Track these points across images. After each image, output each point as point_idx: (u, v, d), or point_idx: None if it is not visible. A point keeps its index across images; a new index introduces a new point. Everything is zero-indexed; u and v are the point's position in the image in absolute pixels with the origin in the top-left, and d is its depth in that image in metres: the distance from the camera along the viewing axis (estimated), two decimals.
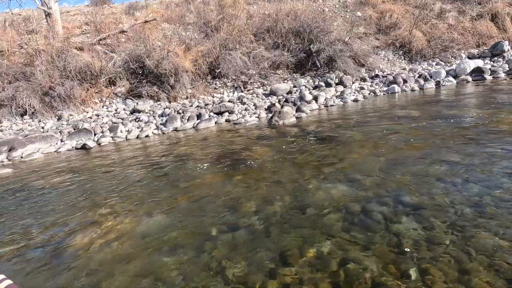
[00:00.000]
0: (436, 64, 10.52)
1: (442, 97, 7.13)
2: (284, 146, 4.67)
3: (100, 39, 10.36)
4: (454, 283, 1.64)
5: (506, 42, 10.28)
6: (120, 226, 2.75)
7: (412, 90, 8.62)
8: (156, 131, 7.24)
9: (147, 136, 6.99)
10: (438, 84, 8.66)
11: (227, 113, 7.89)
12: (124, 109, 8.64)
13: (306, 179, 3.29)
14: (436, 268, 1.75)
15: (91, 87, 8.99)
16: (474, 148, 3.51)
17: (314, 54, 10.42)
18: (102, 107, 8.84)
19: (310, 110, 7.50)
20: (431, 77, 9.13)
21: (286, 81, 10.24)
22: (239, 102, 8.69)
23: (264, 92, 9.60)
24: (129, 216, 2.92)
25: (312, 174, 3.39)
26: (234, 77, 10.06)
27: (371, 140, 4.40)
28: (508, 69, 8.82)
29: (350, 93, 8.88)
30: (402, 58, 11.28)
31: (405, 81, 9.10)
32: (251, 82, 10.06)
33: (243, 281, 1.86)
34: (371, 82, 9.74)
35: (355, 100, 8.23)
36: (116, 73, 9.24)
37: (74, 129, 7.29)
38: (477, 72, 8.68)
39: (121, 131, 7.21)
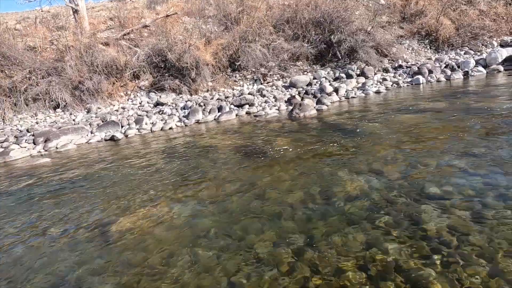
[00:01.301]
0: (464, 53, 10.05)
1: (470, 88, 6.85)
2: (305, 138, 4.72)
3: (124, 34, 10.69)
4: (475, 269, 1.68)
5: None
6: (155, 211, 2.95)
7: (438, 81, 8.32)
8: (179, 123, 7.48)
9: (170, 128, 7.24)
10: (466, 74, 8.30)
11: (247, 106, 8.00)
12: (148, 102, 8.95)
13: (329, 170, 3.35)
14: (458, 256, 1.79)
15: (116, 81, 9.36)
16: (497, 143, 3.42)
17: (334, 45, 10.24)
18: (127, 100, 9.21)
19: (331, 102, 7.45)
20: (458, 67, 8.76)
21: (306, 73, 10.17)
22: (259, 95, 8.76)
23: (283, 84, 9.59)
24: (162, 203, 3.12)
25: (335, 165, 3.45)
26: (254, 70, 10.11)
27: (392, 132, 4.36)
28: None
29: (372, 84, 8.71)
30: (428, 47, 10.86)
31: (430, 71, 8.79)
32: (270, 74, 10.08)
33: (272, 260, 1.99)
34: (394, 73, 9.48)
35: (377, 92, 8.07)
36: (140, 67, 9.55)
37: (103, 121, 7.67)
38: (510, 61, 8.23)
39: (146, 123, 7.51)
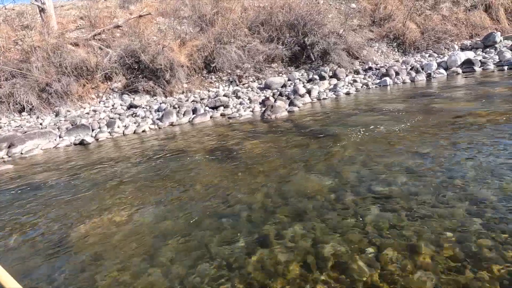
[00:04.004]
0: (429, 56, 10.64)
1: (430, 90, 7.28)
2: (273, 140, 4.86)
3: (95, 34, 10.41)
4: (404, 259, 1.87)
5: (499, 33, 10.38)
6: (117, 217, 2.96)
7: (404, 82, 8.77)
8: (153, 126, 7.41)
9: (144, 131, 7.17)
10: (429, 76, 8.81)
11: (222, 108, 8.06)
12: (121, 105, 8.79)
13: (291, 171, 3.49)
14: (391, 248, 1.98)
15: (87, 83, 9.12)
16: (451, 141, 3.71)
17: (308, 47, 10.51)
18: (99, 102, 8.99)
19: (303, 104, 7.67)
20: (422, 69, 9.27)
21: (281, 74, 10.37)
22: (234, 96, 8.84)
23: (259, 85, 9.74)
24: (126, 208, 3.13)
25: (298, 167, 3.60)
26: (229, 71, 10.18)
27: (357, 133, 4.59)
28: (498, 60, 8.96)
29: (343, 86, 9.03)
30: (396, 50, 11.39)
31: (397, 73, 9.23)
32: (246, 76, 10.19)
33: (227, 260, 2.09)
34: (364, 74, 9.87)
35: (348, 93, 8.38)
36: (112, 69, 9.35)
37: (72, 125, 7.46)
38: (467, 64, 8.82)
39: (118, 127, 7.39)
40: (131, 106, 8.60)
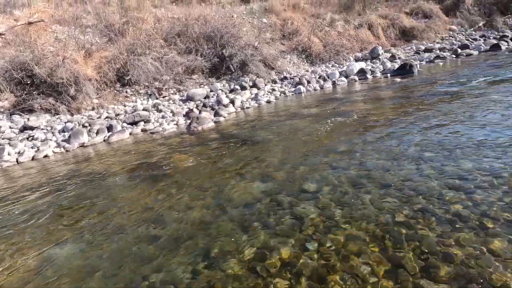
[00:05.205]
0: (332, 66, 12.20)
1: (337, 95, 8.36)
2: (203, 151, 4.77)
3: None
4: (341, 248, 2.08)
5: (380, 47, 12.67)
6: (25, 263, 2.41)
7: (315, 89, 9.81)
8: (58, 149, 6.36)
9: (46, 156, 6.09)
10: (334, 83, 10.09)
11: (142, 123, 7.50)
12: (10, 127, 7.26)
13: (226, 181, 3.48)
14: (328, 239, 2.17)
15: None
16: (362, 138, 4.32)
17: (227, 59, 10.76)
18: None
19: (228, 114, 7.77)
20: (328, 77, 10.55)
21: (202, 86, 10.30)
22: (155, 110, 8.36)
23: (181, 98, 9.45)
24: (34, 250, 2.57)
25: (231, 176, 3.61)
26: (147, 84, 9.59)
27: (282, 137, 4.90)
28: (382, 69, 10.90)
29: (263, 94, 9.53)
30: (305, 61, 12.67)
31: (308, 82, 10.27)
32: (166, 88, 9.76)
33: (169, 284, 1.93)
34: (281, 83, 10.64)
35: (268, 101, 8.89)
36: None
37: None
38: (361, 73, 10.46)
39: (9, 154, 6.08)
40: (25, 128, 7.19)
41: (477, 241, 1.95)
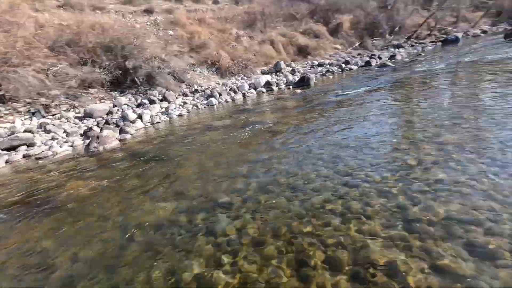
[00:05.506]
0: (241, 79, 12.75)
1: (247, 106, 8.77)
2: (105, 175, 4.26)
3: None
4: (256, 255, 2.15)
5: (282, 62, 13.96)
6: None
7: (226, 101, 10.05)
8: None
9: None
10: (244, 95, 10.56)
11: (25, 147, 6.23)
12: None
13: (133, 204, 3.18)
14: (242, 250, 2.22)
15: None
16: (270, 145, 4.61)
17: (131, 71, 10.01)
18: None
19: (136, 130, 7.19)
20: (238, 89, 10.98)
21: (103, 100, 9.27)
22: (42, 131, 7.06)
23: (77, 115, 8.27)
24: None
25: (139, 198, 3.32)
26: (29, 100, 8.04)
27: (195, 151, 4.81)
28: (286, 81, 12.02)
29: (175, 108, 9.21)
30: (215, 74, 12.88)
31: (220, 94, 10.45)
32: (56, 105, 8.39)
33: None
34: (193, 96, 10.52)
35: (180, 115, 8.63)
36: None
37: None
38: (268, 85, 11.29)
39: None
40: None
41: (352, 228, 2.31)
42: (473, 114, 4.29)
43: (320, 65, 14.68)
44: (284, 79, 12.37)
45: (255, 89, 11.20)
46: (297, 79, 11.62)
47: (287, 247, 2.20)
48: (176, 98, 10.14)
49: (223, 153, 4.54)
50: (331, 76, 12.45)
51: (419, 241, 2.03)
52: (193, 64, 12.58)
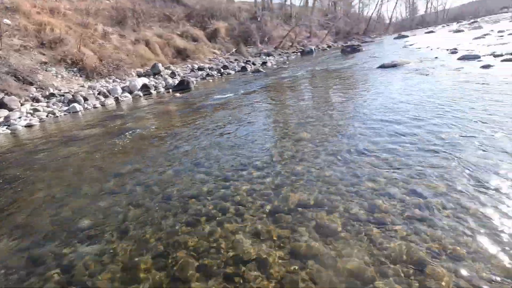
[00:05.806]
0: (113, 82, 11.37)
1: (122, 112, 7.90)
2: None
3: None
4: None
5: (160, 64, 13.29)
6: None
7: (95, 107, 8.75)
8: None
9: None
10: (117, 100, 9.46)
11: None
12: None
13: None
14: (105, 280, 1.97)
15: None
16: (146, 154, 4.27)
17: None
18: None
19: None
20: (110, 93, 9.75)
21: None
22: None
23: None
24: None
25: None
26: None
27: (48, 171, 3.93)
28: (165, 85, 11.50)
29: (19, 117, 7.35)
30: (79, 75, 11.01)
31: (86, 99, 9.01)
32: None
33: None
34: (47, 102, 8.66)
35: (29, 125, 6.96)
36: None
37: None
38: (145, 88, 10.52)
39: None
40: None
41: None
42: (322, 114, 5.26)
43: (200, 69, 14.81)
44: (163, 82, 11.84)
45: (130, 92, 10.24)
46: (177, 82, 11.32)
47: (161, 263, 2.07)
48: (22, 104, 8.10)
49: (87, 167, 3.91)
50: (211, 80, 12.76)
51: (280, 229, 2.31)
52: (46, 63, 10.36)
